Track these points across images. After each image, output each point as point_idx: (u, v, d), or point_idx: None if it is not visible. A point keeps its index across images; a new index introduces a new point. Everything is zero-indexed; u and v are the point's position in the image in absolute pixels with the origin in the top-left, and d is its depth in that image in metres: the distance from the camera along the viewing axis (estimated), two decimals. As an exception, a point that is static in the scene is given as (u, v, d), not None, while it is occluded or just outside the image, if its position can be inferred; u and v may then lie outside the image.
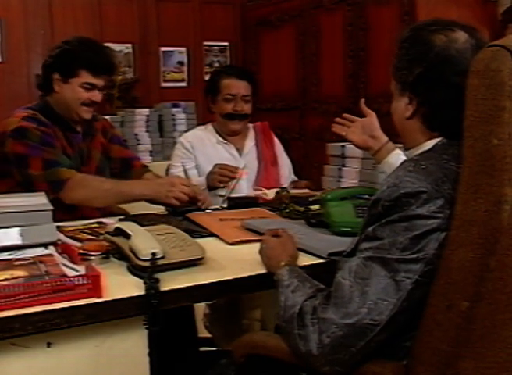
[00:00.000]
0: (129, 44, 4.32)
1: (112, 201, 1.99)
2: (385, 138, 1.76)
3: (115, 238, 1.43)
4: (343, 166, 2.49)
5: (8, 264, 1.31)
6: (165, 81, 4.48)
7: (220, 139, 2.56)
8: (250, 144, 2.61)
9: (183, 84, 4.55)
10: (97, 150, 2.22)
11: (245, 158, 2.55)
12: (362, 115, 1.82)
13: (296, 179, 2.65)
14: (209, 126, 2.62)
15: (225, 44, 4.67)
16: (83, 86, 2.05)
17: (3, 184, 2.00)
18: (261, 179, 2.52)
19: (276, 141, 2.69)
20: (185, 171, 2.52)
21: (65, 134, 2.10)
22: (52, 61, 2.08)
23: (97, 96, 2.09)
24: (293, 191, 2.28)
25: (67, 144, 2.09)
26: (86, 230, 1.69)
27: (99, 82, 2.08)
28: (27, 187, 1.91)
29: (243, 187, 2.44)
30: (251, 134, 2.64)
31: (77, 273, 1.24)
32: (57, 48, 2.10)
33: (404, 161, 1.19)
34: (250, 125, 2.66)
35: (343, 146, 2.55)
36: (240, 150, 2.58)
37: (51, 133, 2.02)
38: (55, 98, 2.09)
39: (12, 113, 2.06)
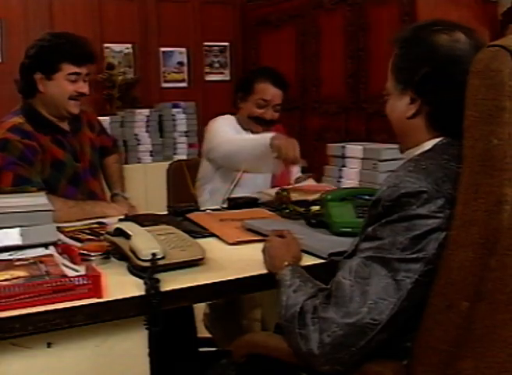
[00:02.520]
0: (130, 45, 4.32)
1: (73, 219, 1.90)
2: None
3: (115, 238, 1.43)
4: (343, 166, 2.48)
5: (9, 264, 1.31)
6: (165, 81, 4.48)
7: (242, 131, 2.53)
8: None
9: (184, 85, 4.55)
10: (86, 145, 2.23)
11: None
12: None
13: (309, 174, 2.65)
14: (231, 117, 2.57)
15: (226, 44, 4.67)
16: (68, 78, 2.03)
17: None
18: (277, 177, 2.52)
19: None
20: None
21: (54, 138, 2.08)
22: (31, 61, 2.06)
23: (83, 87, 2.07)
24: (298, 185, 2.29)
25: (57, 147, 2.08)
26: (86, 231, 1.69)
27: (83, 70, 2.06)
28: None
29: (260, 184, 2.45)
30: None
31: (77, 274, 1.24)
32: (32, 48, 2.07)
33: (404, 161, 1.19)
34: None
35: (343, 146, 2.55)
36: None
37: (34, 147, 1.99)
38: (40, 98, 2.07)
39: (2, 120, 2.04)
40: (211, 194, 2.49)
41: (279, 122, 2.65)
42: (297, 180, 2.55)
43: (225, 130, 2.42)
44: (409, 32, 1.21)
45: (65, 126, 2.15)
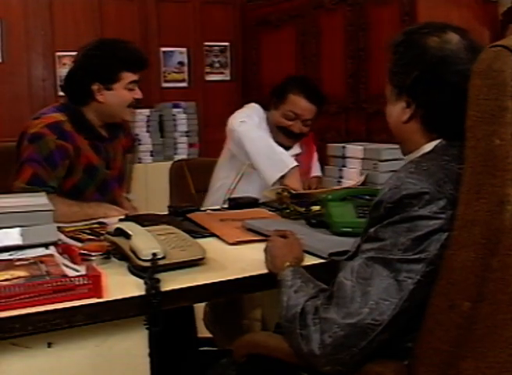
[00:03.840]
0: (130, 45, 4.32)
1: (76, 220, 1.87)
2: None
3: (115, 238, 1.43)
4: (344, 166, 2.48)
5: (9, 264, 1.30)
6: (166, 81, 4.48)
7: (268, 133, 2.43)
8: (292, 153, 2.48)
9: (184, 85, 4.55)
10: (119, 152, 2.22)
11: None
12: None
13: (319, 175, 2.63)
14: (265, 116, 2.48)
15: (226, 44, 4.67)
16: (128, 87, 2.03)
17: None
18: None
19: (315, 155, 2.66)
20: None
21: (92, 142, 2.06)
22: (87, 72, 2.00)
23: (138, 93, 2.07)
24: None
25: (93, 152, 2.06)
26: (86, 231, 1.69)
27: (138, 77, 2.07)
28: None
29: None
30: (297, 144, 2.56)
31: (78, 274, 1.24)
32: (85, 57, 2.03)
33: (405, 162, 1.19)
34: None
35: (343, 147, 2.55)
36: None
37: (66, 149, 1.96)
38: (95, 107, 2.04)
39: (44, 112, 2.01)
40: (220, 189, 2.44)
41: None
42: (311, 181, 2.49)
43: (255, 120, 2.36)
44: (401, 37, 1.23)
45: (104, 132, 2.12)
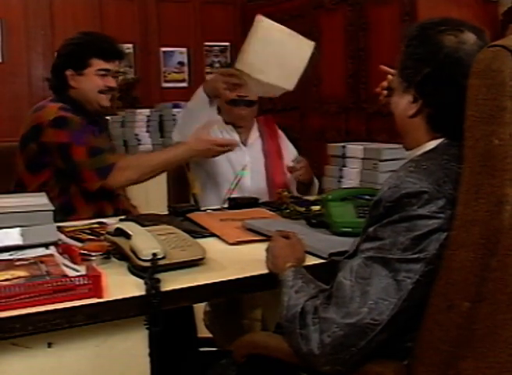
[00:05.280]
0: (130, 45, 4.32)
1: (160, 171, 2.09)
2: None
3: (115, 238, 1.43)
4: (344, 166, 2.49)
5: (9, 264, 1.31)
6: (166, 81, 4.48)
7: (226, 127, 2.51)
8: (254, 135, 2.58)
9: (184, 85, 4.55)
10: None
11: (250, 149, 2.52)
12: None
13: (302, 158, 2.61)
14: (219, 116, 2.53)
15: (226, 44, 4.67)
16: (98, 73, 2.09)
17: (41, 176, 2.01)
18: (270, 173, 2.49)
19: (280, 133, 2.66)
20: None
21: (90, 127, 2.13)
22: (62, 59, 2.12)
23: (111, 81, 2.13)
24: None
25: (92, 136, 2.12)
26: (86, 231, 1.69)
27: (112, 67, 2.12)
28: (72, 175, 1.98)
29: (247, 183, 2.41)
30: (255, 127, 2.61)
31: (78, 274, 1.24)
32: (63, 47, 2.14)
33: (405, 161, 1.19)
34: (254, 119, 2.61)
35: (343, 146, 2.55)
36: (244, 142, 2.54)
37: (86, 123, 2.06)
38: (73, 93, 2.11)
39: (43, 104, 2.07)
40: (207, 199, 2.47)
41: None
42: (292, 169, 2.47)
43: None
44: (416, 30, 1.20)
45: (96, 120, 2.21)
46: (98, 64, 2.09)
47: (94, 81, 2.09)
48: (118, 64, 2.17)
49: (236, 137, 2.51)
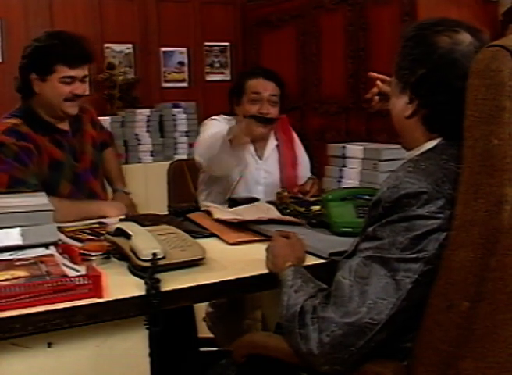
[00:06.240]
0: (130, 45, 4.31)
1: (70, 218, 1.87)
2: None
3: (115, 238, 1.43)
4: (344, 166, 2.48)
5: (9, 264, 1.31)
6: (166, 81, 4.48)
7: None
8: (270, 147, 2.48)
9: (184, 85, 4.54)
10: (88, 144, 2.22)
11: (265, 163, 2.46)
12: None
13: (312, 176, 2.56)
14: (227, 118, 2.44)
15: (226, 44, 4.67)
16: (62, 81, 2.00)
17: None
18: (284, 185, 2.40)
19: (296, 138, 2.59)
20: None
21: (53, 138, 2.07)
22: (26, 62, 2.04)
23: (79, 88, 2.04)
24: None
25: (55, 148, 2.07)
26: (86, 231, 1.69)
27: (78, 73, 2.02)
28: None
29: (260, 196, 2.31)
30: (272, 136, 2.51)
31: (78, 274, 1.25)
32: (28, 48, 2.05)
33: (404, 162, 1.19)
34: None
35: (343, 147, 2.54)
36: (260, 155, 2.46)
37: (29, 149, 1.98)
38: (37, 99, 2.05)
39: None
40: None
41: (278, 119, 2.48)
42: (300, 188, 2.45)
43: (210, 133, 2.27)
44: (412, 31, 1.20)
45: (64, 126, 2.13)
46: (63, 71, 1.99)
47: (58, 89, 2.00)
48: (86, 68, 2.07)
49: (251, 150, 2.43)
